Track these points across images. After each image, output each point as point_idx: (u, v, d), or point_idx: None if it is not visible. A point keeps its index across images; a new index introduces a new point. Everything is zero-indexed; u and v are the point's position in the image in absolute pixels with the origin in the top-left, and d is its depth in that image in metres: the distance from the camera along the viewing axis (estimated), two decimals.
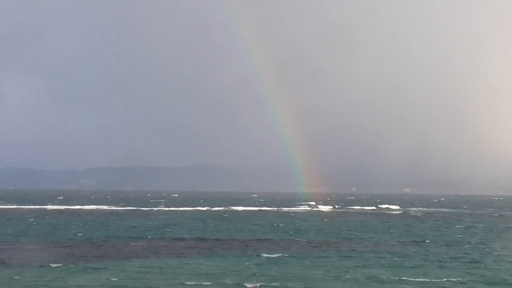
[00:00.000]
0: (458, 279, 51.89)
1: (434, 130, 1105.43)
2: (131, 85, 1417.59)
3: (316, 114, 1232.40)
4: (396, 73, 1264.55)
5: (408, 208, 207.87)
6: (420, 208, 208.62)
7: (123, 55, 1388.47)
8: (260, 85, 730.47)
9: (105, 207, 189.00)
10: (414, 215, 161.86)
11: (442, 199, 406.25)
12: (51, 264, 57.48)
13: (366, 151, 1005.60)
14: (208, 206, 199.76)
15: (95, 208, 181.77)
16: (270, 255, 65.67)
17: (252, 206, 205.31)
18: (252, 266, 57.88)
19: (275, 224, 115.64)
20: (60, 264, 57.67)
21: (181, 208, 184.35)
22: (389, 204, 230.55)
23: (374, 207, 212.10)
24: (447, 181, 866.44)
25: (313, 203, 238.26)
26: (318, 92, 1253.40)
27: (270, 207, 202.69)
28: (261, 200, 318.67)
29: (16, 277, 50.58)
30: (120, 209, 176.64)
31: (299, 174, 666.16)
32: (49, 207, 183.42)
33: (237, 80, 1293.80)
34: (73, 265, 57.57)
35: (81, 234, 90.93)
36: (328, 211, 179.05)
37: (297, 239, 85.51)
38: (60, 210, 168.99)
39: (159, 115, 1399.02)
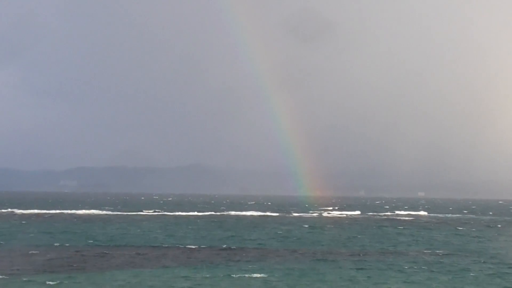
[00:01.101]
0: None
1: (453, 128, 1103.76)
2: (117, 79, 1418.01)
3: (320, 111, 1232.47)
4: (412, 65, 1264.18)
5: (435, 214, 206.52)
6: (440, 215, 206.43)
7: (112, 48, 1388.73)
8: (260, 81, 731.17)
9: (87, 211, 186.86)
10: (438, 222, 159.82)
11: (470, 203, 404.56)
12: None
13: (376, 151, 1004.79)
14: (203, 211, 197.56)
15: (75, 212, 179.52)
16: (273, 266, 63.31)
17: (254, 211, 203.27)
18: (252, 279, 55.46)
19: (279, 232, 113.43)
20: (16, 280, 53.69)
21: (173, 213, 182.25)
22: (410, 210, 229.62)
23: (389, 213, 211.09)
24: (465, 184, 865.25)
25: (330, 208, 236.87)
26: (323, 87, 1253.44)
27: (273, 212, 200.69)
28: (263, 204, 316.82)
29: None
30: (104, 214, 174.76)
31: (300, 176, 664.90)
32: (17, 211, 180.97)
33: (235, 76, 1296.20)
34: (31, 276, 54.54)
35: (56, 241, 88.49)
36: (337, 217, 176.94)
37: (303, 248, 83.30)
38: (37, 214, 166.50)
39: (148, 112, 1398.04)
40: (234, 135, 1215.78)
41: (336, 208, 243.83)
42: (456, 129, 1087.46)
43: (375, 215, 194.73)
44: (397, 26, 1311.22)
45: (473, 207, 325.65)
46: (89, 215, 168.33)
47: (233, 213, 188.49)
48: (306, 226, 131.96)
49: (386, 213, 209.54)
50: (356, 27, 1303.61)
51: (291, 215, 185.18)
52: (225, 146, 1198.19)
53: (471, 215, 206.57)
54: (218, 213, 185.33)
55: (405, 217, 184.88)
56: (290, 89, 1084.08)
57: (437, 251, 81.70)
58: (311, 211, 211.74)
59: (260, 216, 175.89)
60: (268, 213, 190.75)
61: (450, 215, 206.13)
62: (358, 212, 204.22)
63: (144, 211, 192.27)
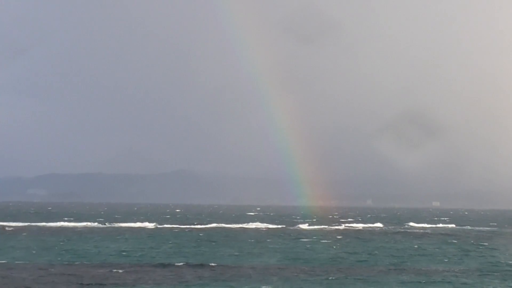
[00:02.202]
0: None
1: (471, 131, 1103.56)
2: (95, 77, 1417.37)
3: (323, 112, 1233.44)
4: (424, 62, 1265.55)
5: (463, 227, 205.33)
6: (469, 227, 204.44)
7: (92, 45, 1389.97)
8: (256, 79, 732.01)
9: (58, 223, 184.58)
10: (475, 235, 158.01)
11: (493, 214, 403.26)
12: None
13: (385, 156, 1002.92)
14: (193, 223, 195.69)
15: (45, 225, 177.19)
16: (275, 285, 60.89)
17: (254, 222, 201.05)
18: None
19: (282, 247, 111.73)
20: None
21: (158, 226, 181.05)
22: (430, 222, 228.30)
23: (415, 224, 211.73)
24: (485, 193, 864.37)
25: (342, 219, 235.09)
26: (326, 86, 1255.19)
27: (274, 224, 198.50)
28: (265, 214, 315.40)
29: None
30: (78, 226, 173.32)
31: (300, 183, 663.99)
32: None
33: (229, 74, 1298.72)
34: None
35: (19, 257, 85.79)
36: (354, 230, 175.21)
37: (310, 266, 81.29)
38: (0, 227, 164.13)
39: (128, 112, 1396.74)
40: (226, 137, 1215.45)
41: (353, 220, 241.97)
42: (475, 132, 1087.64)
43: (396, 227, 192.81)
44: (408, 22, 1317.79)
45: (499, 218, 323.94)
46: (60, 228, 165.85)
47: (229, 225, 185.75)
48: (316, 239, 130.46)
49: (409, 224, 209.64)
50: (361, 24, 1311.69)
51: (297, 227, 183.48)
52: (215, 150, 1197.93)
53: (503, 229, 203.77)
54: (211, 226, 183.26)
55: (429, 230, 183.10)
56: (290, 87, 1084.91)
57: (467, 269, 79.48)
58: (318, 223, 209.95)
59: (261, 229, 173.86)
60: (272, 225, 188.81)
61: (479, 228, 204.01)
62: (379, 225, 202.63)
63: (123, 223, 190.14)
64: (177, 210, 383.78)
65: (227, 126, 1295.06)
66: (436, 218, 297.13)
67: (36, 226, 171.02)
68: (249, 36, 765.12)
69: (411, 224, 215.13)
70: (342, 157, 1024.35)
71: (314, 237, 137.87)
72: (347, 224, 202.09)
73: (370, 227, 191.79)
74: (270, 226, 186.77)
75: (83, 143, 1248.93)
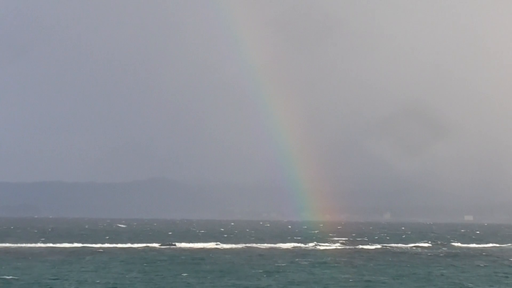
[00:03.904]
0: None
1: (507, 134, 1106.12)
2: (55, 70, 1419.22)
3: (329, 110, 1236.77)
4: (456, 56, 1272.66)
5: None
6: None
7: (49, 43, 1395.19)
8: (252, 77, 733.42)
9: (6, 244, 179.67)
10: None
11: None
12: None
13: (406, 163, 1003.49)
14: (172, 242, 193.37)
15: None
16: None
17: (260, 243, 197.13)
18: None
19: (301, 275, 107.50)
20: None
21: (126, 245, 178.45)
22: (477, 241, 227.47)
23: (473, 244, 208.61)
24: None
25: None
26: (332, 82, 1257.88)
27: (284, 243, 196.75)
28: (267, 227, 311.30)
29: None
30: (29, 247, 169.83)
31: (303, 195, 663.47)
32: None
33: (217, 72, 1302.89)
34: None
35: None
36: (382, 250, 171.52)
37: None
38: None
39: (93, 109, 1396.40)
40: (213, 139, 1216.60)
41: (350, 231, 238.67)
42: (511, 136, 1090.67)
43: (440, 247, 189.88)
44: (417, 20, 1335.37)
45: None
46: (7, 249, 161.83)
47: (224, 246, 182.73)
48: (343, 262, 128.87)
49: (468, 245, 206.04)
50: (368, 23, 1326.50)
51: (316, 247, 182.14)
52: (199, 154, 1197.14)
53: None
54: (198, 245, 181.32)
55: (485, 250, 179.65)
56: (291, 85, 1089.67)
57: None
58: (343, 242, 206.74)
59: (264, 249, 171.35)
60: (281, 245, 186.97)
61: None
62: (426, 244, 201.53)
63: (85, 243, 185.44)
64: (155, 224, 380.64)
65: (214, 126, 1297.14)
66: (478, 234, 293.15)
67: None
68: (244, 33, 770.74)
69: (456, 244, 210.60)
70: (352, 162, 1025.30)
71: (339, 260, 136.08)
72: (384, 244, 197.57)
73: (416, 247, 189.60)
74: (281, 246, 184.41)
75: (39, 147, 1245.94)
